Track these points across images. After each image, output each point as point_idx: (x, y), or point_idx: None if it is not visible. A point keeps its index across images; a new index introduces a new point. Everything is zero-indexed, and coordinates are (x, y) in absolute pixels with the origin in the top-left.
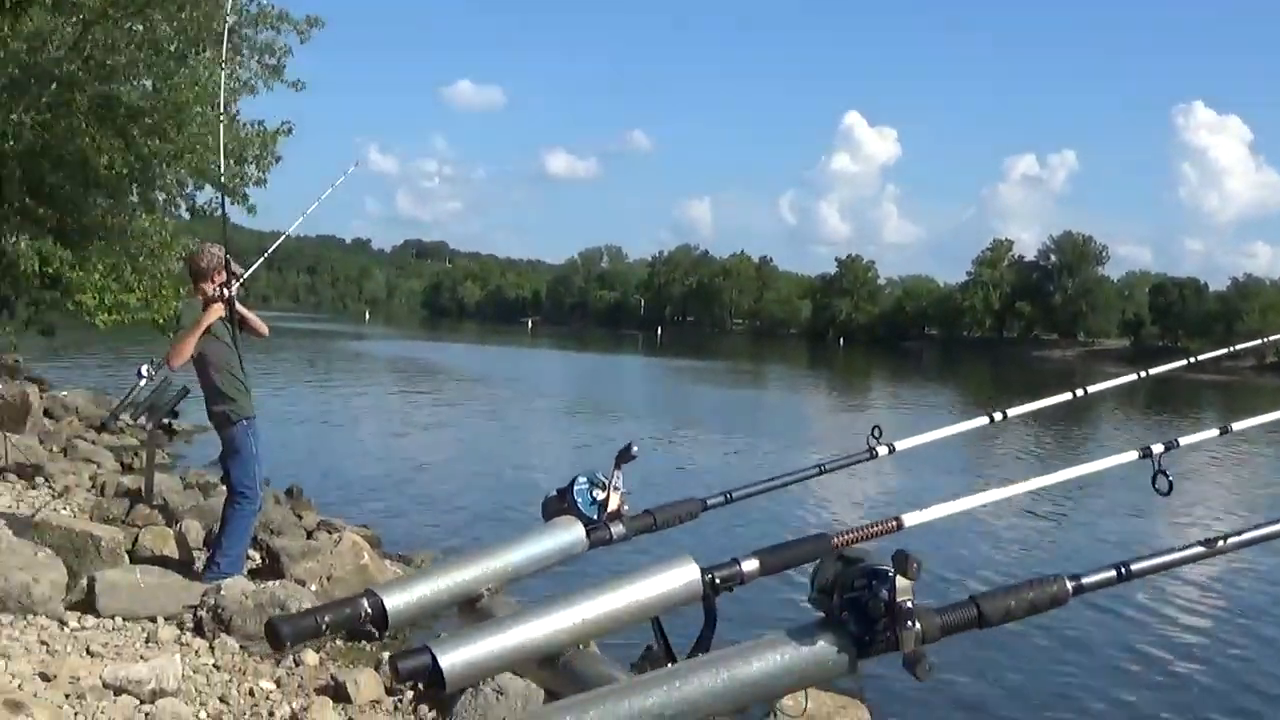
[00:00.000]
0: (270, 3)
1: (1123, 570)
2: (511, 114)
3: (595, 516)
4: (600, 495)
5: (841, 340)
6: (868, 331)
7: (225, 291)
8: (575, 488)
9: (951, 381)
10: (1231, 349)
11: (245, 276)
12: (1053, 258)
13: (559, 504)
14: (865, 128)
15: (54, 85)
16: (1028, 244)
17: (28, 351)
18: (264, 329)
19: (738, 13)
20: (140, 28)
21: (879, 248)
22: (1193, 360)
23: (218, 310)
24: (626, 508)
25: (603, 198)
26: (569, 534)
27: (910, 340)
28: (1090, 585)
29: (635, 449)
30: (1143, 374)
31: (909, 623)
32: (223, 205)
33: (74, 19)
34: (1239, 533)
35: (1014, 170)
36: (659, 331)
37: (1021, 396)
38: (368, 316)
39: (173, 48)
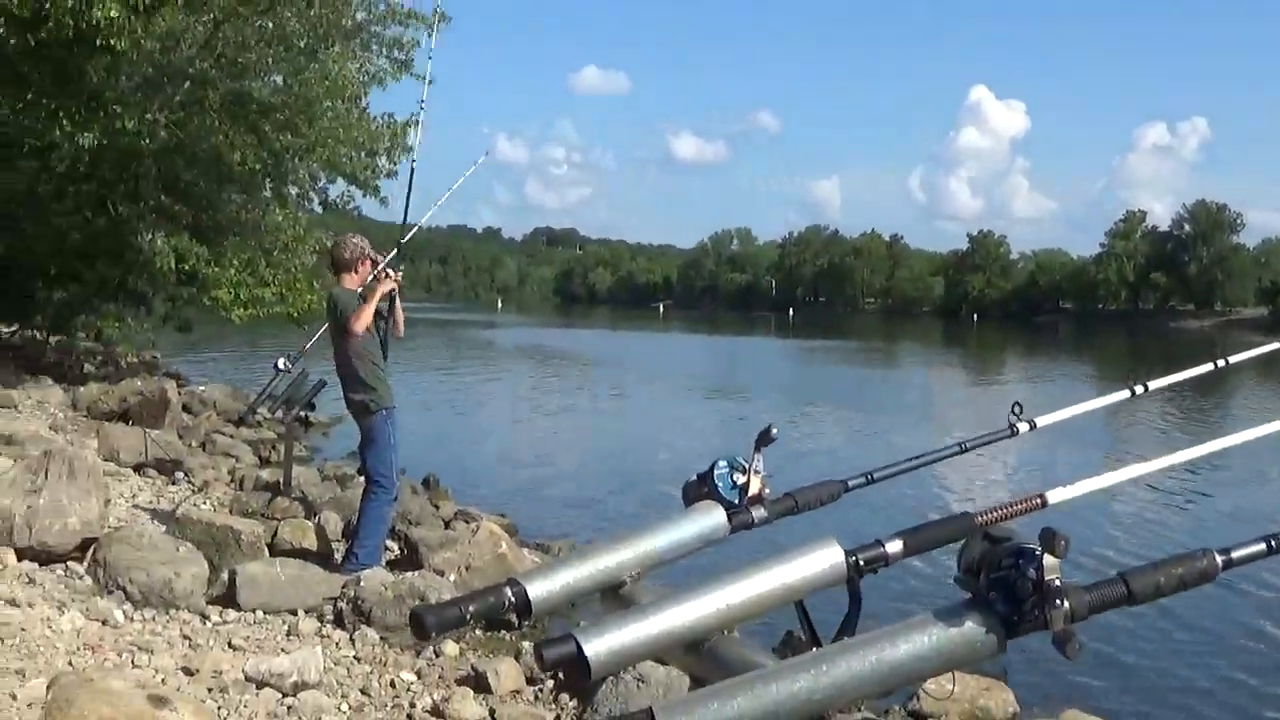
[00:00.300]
0: (399, 2)
1: (1273, 543)
2: (637, 98)
3: (736, 500)
4: (741, 479)
5: (975, 317)
6: (1001, 307)
7: (395, 280)
8: (716, 472)
9: (1087, 355)
10: None
11: (383, 266)
12: (1186, 227)
13: (699, 488)
14: (993, 101)
15: (187, 84)
16: (1160, 214)
17: (165, 347)
18: (402, 329)
19: None
20: (270, 24)
21: (1009, 222)
22: None
23: (389, 284)
24: (768, 491)
25: (731, 180)
26: (710, 518)
27: (1044, 315)
28: (1240, 559)
29: (775, 431)
30: None
31: (1058, 601)
32: (411, 181)
33: (205, 18)
34: None
35: (1144, 140)
36: (791, 313)
37: (1159, 368)
38: (500, 305)
39: (302, 44)
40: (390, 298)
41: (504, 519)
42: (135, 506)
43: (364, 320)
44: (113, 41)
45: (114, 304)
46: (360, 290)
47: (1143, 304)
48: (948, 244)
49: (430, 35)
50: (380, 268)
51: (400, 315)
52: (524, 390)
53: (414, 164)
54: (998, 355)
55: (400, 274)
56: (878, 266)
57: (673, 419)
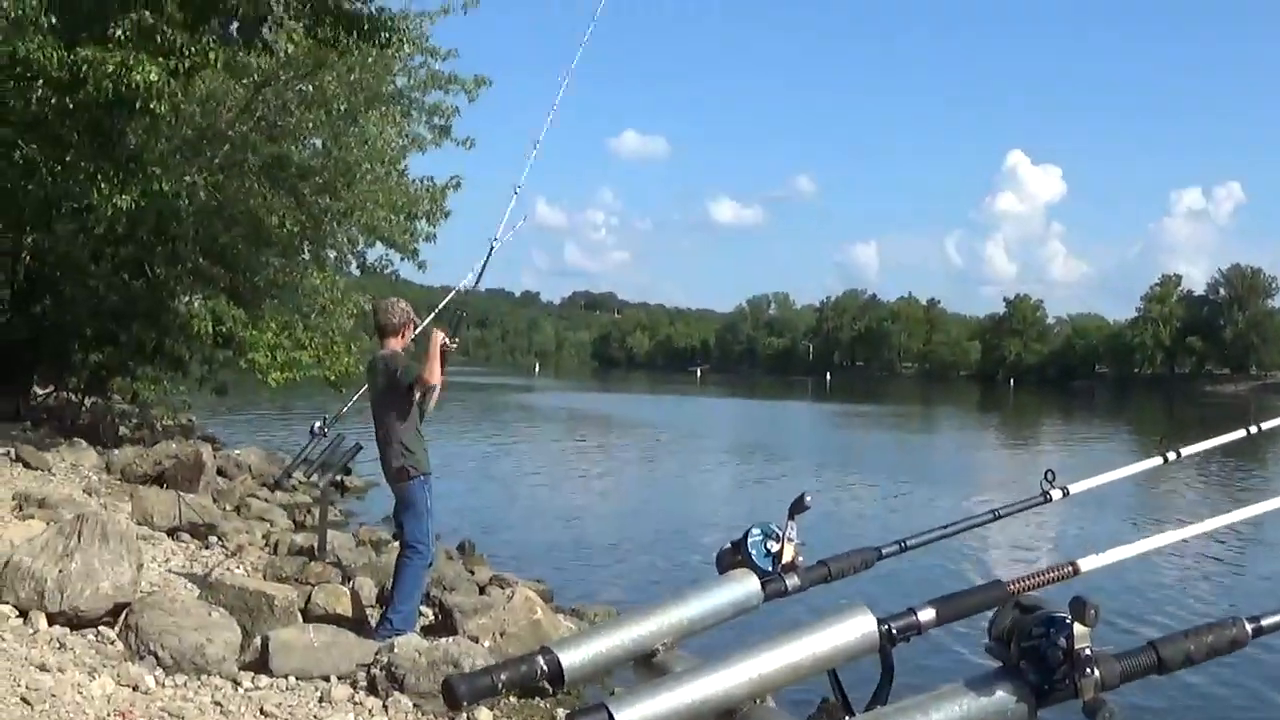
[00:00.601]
0: (440, 67)
1: None
2: (676, 163)
3: (770, 568)
4: (774, 547)
5: (1011, 381)
6: (1038, 372)
7: (444, 345)
8: (749, 540)
9: (1123, 420)
10: None
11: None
12: (1222, 291)
13: (733, 556)
14: (1029, 166)
15: (226, 146)
16: (1196, 279)
17: (200, 410)
18: (432, 405)
19: (896, 55)
20: (310, 89)
21: (1046, 286)
22: None
23: (440, 336)
24: (801, 559)
25: (769, 244)
26: (744, 587)
27: (1080, 379)
28: (1270, 627)
29: (809, 499)
30: None
31: (1088, 670)
32: (487, 259)
33: (245, 81)
34: None
35: (1179, 204)
36: (828, 377)
37: (1194, 434)
38: (537, 369)
39: (343, 108)
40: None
41: (540, 585)
42: (168, 571)
43: (436, 371)
44: (152, 105)
45: (150, 366)
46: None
47: (1179, 368)
48: (985, 308)
49: (469, 99)
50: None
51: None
52: (561, 455)
53: (494, 243)
54: (1033, 421)
55: (455, 341)
56: (915, 331)
57: (708, 484)
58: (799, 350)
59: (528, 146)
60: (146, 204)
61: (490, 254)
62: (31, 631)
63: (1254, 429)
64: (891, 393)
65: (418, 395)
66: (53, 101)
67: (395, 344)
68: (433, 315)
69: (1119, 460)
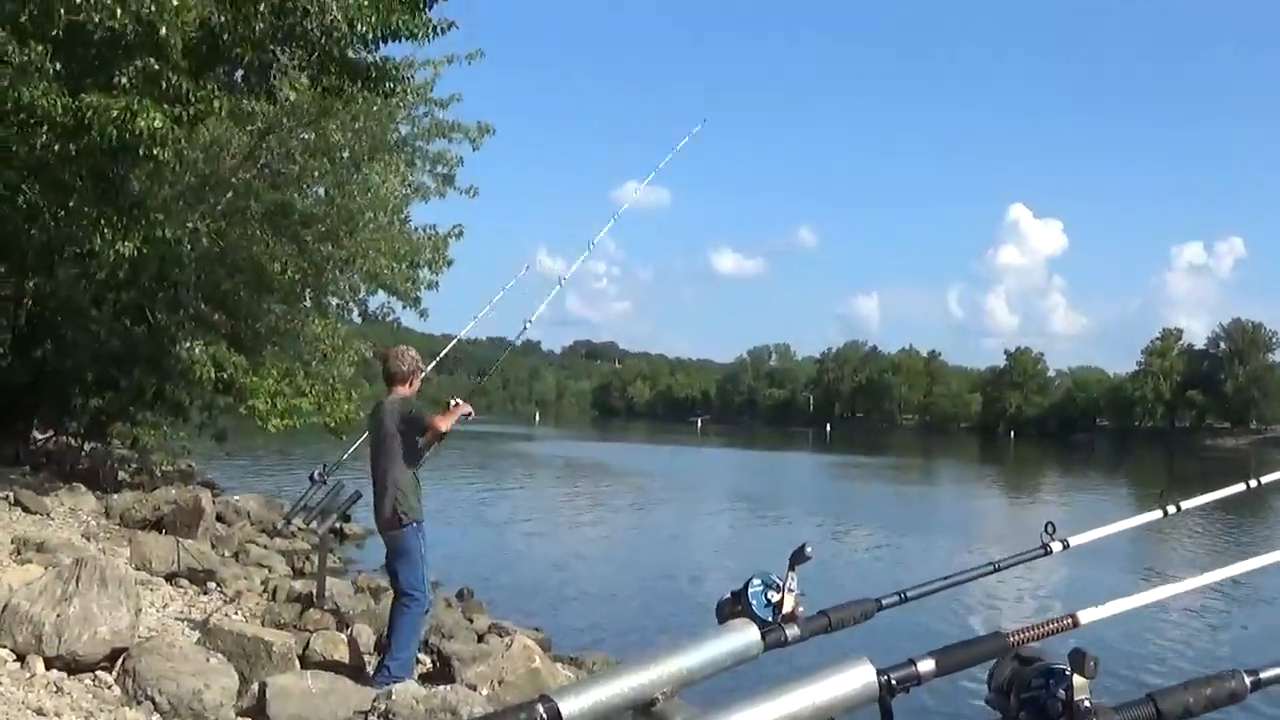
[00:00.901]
0: (443, 116)
1: None
2: (678, 213)
3: (770, 618)
4: (775, 597)
5: (1012, 434)
6: (1038, 424)
7: (467, 414)
8: (750, 590)
9: (1123, 473)
10: None
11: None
12: (1222, 345)
13: (733, 606)
14: (1030, 220)
15: (229, 193)
16: (1197, 332)
17: (199, 455)
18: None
19: (898, 108)
20: (314, 137)
21: (1047, 339)
22: None
23: (466, 407)
24: (801, 609)
25: (770, 295)
26: (744, 636)
27: (1081, 432)
28: (1269, 680)
29: (809, 550)
30: None
31: None
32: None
33: (249, 129)
34: None
35: (1180, 258)
36: (828, 428)
37: (1194, 487)
38: (537, 418)
39: (346, 156)
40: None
41: (538, 633)
42: (166, 616)
43: (448, 423)
44: (156, 151)
45: (150, 412)
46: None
47: (1179, 422)
48: (985, 360)
49: (473, 148)
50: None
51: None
52: (561, 503)
53: (528, 324)
54: (1034, 473)
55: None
56: (915, 382)
57: (708, 534)
58: (800, 401)
59: (579, 247)
60: (149, 250)
61: (523, 331)
62: (29, 675)
63: (1254, 483)
64: (892, 444)
65: (421, 441)
66: (56, 147)
67: (403, 391)
68: (434, 363)
69: (1118, 513)
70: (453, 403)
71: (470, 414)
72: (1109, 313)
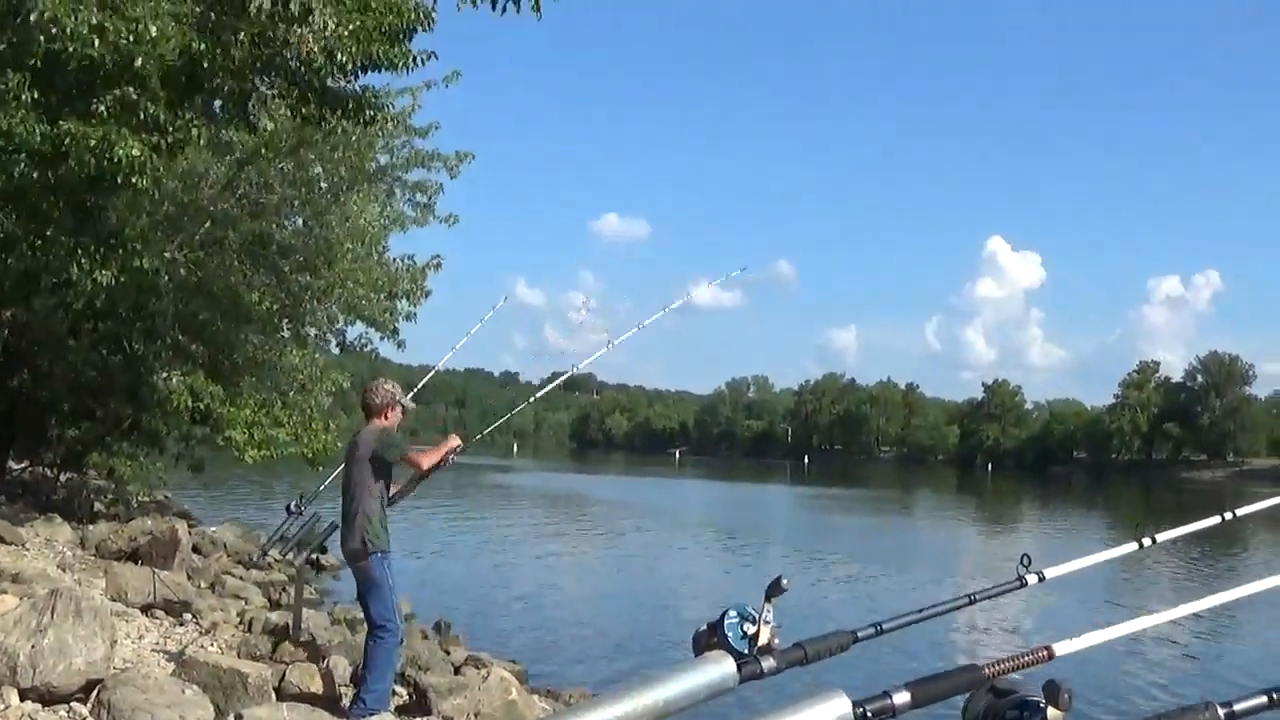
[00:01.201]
0: (422, 145)
1: (1274, 696)
2: (656, 245)
3: (746, 650)
4: (751, 629)
5: (990, 466)
6: (1015, 456)
7: (457, 448)
8: (726, 622)
9: (1100, 506)
10: None
11: (412, 409)
12: (1199, 378)
13: (709, 638)
14: (1009, 252)
15: (208, 223)
16: (1174, 365)
17: (176, 485)
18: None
19: (878, 141)
20: (292, 167)
21: (1024, 371)
22: None
23: (456, 442)
24: (778, 641)
25: (748, 327)
26: (720, 668)
27: (1058, 464)
28: (1241, 712)
29: (785, 582)
30: None
31: None
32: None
33: (228, 158)
34: None
35: (1158, 291)
36: (805, 460)
37: (1170, 520)
38: (515, 449)
39: (324, 186)
40: (426, 472)
41: (515, 665)
42: (142, 648)
43: (429, 460)
44: (134, 180)
45: (127, 442)
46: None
47: (1156, 454)
48: (963, 393)
49: (450, 176)
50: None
51: (414, 489)
52: (538, 535)
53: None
54: (1011, 506)
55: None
56: (893, 415)
57: (685, 566)
58: (778, 433)
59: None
60: (126, 280)
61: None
62: (3, 707)
63: (1228, 515)
64: (869, 476)
65: (394, 478)
66: (34, 175)
67: (379, 423)
68: (412, 393)
69: (1094, 546)
70: (452, 439)
71: (459, 449)
72: (1086, 345)
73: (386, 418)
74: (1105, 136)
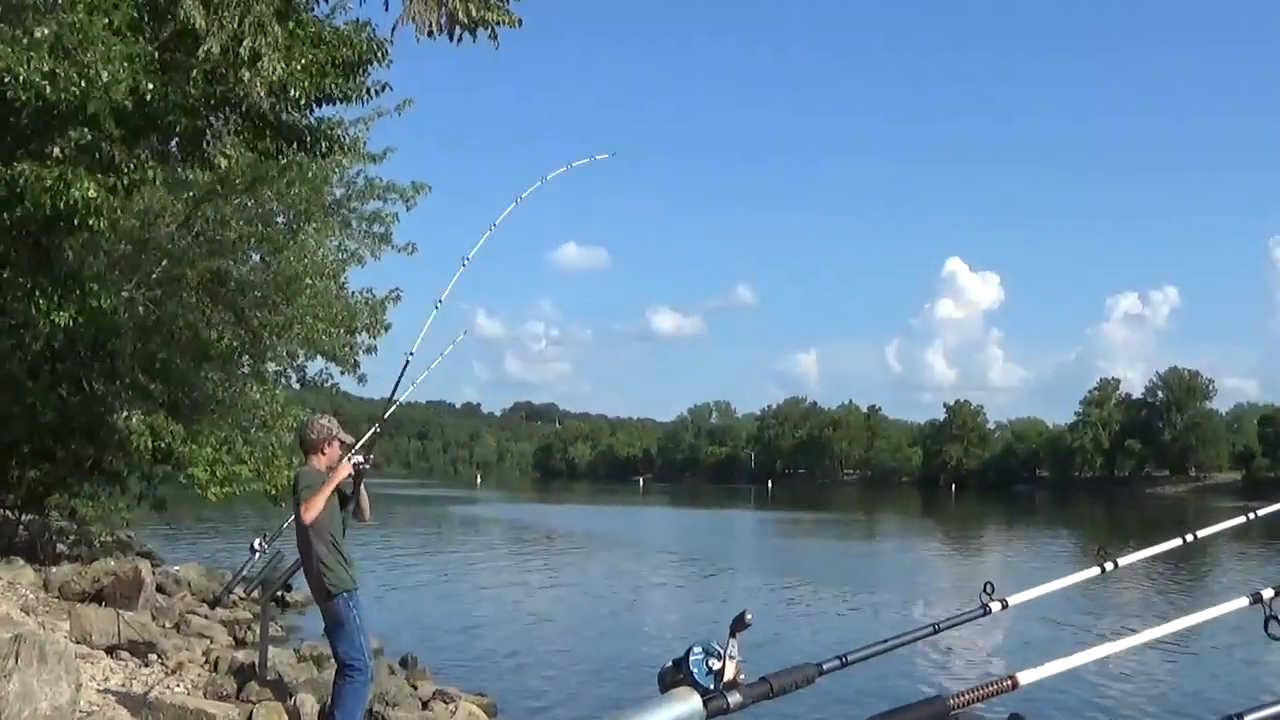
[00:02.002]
0: (377, 175)
1: None
2: (616, 274)
3: (712, 686)
4: (716, 665)
5: (953, 486)
6: (979, 476)
7: (356, 465)
8: (691, 658)
9: (1064, 526)
10: None
11: (358, 446)
12: (1160, 394)
13: (675, 674)
14: (967, 273)
15: (165, 261)
16: (1134, 382)
17: (139, 524)
18: (368, 515)
19: (835, 164)
20: (250, 203)
21: (986, 392)
22: None
23: (346, 469)
24: (743, 676)
25: (710, 354)
26: (686, 705)
27: (1021, 483)
28: None
29: (749, 617)
30: (1250, 515)
31: None
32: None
33: (185, 195)
34: None
35: (1117, 309)
36: (769, 485)
37: (1134, 539)
38: (479, 480)
39: (281, 221)
40: (355, 482)
41: (483, 698)
42: (107, 690)
43: (313, 511)
44: (90, 222)
45: (88, 482)
46: (326, 469)
47: (1118, 471)
48: (925, 414)
49: (406, 207)
50: (354, 449)
51: (365, 500)
52: (504, 567)
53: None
54: (975, 527)
55: (370, 458)
56: (856, 437)
57: (651, 596)
58: (741, 458)
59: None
60: (85, 320)
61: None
62: None
63: (1190, 537)
64: (833, 500)
65: (325, 513)
66: None
67: (318, 460)
68: (375, 427)
69: (1058, 568)
70: (342, 469)
71: (357, 470)
72: (1047, 364)
73: (324, 453)
74: (1060, 155)
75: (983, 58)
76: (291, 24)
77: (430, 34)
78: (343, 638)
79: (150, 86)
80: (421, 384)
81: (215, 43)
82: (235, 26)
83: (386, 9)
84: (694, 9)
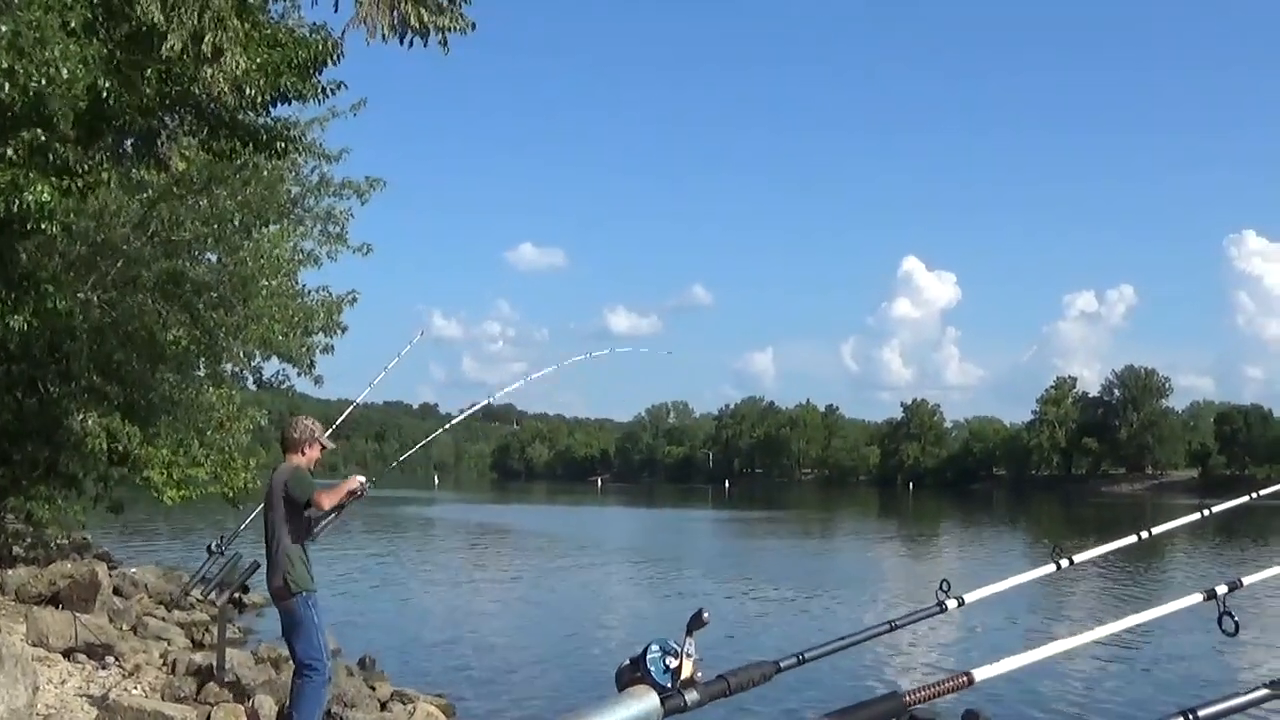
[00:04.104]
0: (331, 172)
1: (1189, 716)
2: (573, 274)
3: (669, 684)
4: (673, 663)
5: (910, 485)
6: (936, 475)
7: (362, 485)
8: (648, 656)
9: (1020, 524)
10: None
11: (331, 449)
12: (1116, 392)
13: (632, 673)
14: (924, 272)
15: (120, 262)
16: (1090, 380)
17: (95, 526)
18: (319, 534)
19: (788, 164)
20: (205, 203)
21: (942, 390)
22: (1255, 496)
23: (355, 483)
24: (700, 674)
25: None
26: (643, 703)
27: (978, 482)
28: None
29: (707, 615)
30: (1205, 512)
31: None
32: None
33: (140, 196)
34: None
35: (1073, 307)
36: (727, 484)
37: (1090, 537)
38: (436, 482)
39: (237, 221)
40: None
41: (441, 699)
42: (65, 693)
43: (332, 499)
44: (44, 226)
45: (44, 485)
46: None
47: (1075, 469)
48: (882, 413)
49: (361, 202)
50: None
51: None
52: (461, 568)
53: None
54: (932, 525)
55: (371, 481)
56: (813, 437)
57: (608, 596)
58: (699, 458)
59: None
60: (40, 322)
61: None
62: None
63: (1145, 534)
64: (791, 499)
65: (310, 512)
66: None
67: (295, 459)
68: (331, 429)
69: (1015, 565)
70: (354, 479)
71: (359, 491)
72: (1003, 363)
73: (304, 454)
74: (1017, 154)
75: (940, 61)
76: (248, 25)
77: (383, 38)
78: (301, 638)
79: (108, 85)
80: (378, 385)
81: (176, 39)
82: (195, 23)
83: (336, 10)
84: (651, 9)
